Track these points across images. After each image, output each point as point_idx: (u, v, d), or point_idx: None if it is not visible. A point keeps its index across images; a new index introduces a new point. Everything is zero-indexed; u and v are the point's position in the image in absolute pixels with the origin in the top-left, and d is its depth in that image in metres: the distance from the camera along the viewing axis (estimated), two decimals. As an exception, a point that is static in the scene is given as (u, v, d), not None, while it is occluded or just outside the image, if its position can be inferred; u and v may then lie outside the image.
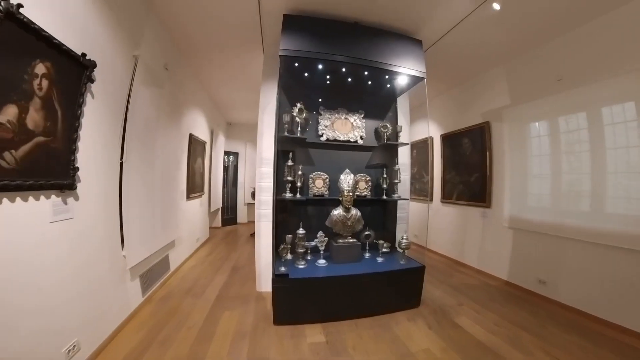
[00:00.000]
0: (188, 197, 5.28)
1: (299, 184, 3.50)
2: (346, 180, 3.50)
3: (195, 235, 5.96)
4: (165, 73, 3.76)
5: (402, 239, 3.48)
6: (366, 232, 3.67)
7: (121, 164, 2.78)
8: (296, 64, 3.33)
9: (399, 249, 3.54)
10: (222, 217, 8.72)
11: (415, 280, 3.36)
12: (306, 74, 3.62)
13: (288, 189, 3.49)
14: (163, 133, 3.81)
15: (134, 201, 3.00)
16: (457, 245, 5.30)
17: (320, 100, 3.87)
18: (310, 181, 3.75)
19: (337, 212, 3.50)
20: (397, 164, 3.86)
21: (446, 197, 5.59)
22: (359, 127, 3.96)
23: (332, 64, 3.33)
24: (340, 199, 3.50)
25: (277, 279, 2.90)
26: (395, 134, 3.91)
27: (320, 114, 3.85)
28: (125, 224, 2.81)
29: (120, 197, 2.78)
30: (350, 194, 3.43)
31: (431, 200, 6.10)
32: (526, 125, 3.93)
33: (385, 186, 3.85)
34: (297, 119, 3.46)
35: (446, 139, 5.61)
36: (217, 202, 8.16)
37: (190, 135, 5.31)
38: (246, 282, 4.14)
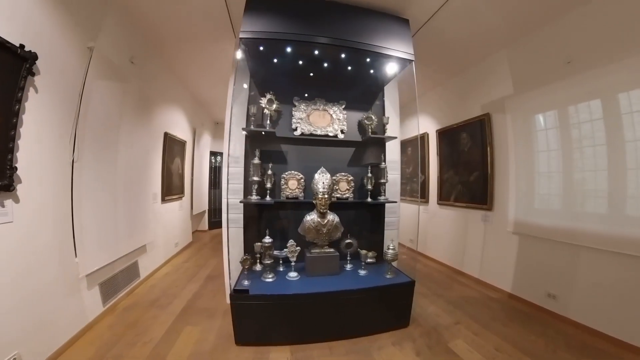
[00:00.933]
0: (164, 200, 5.01)
1: (268, 185, 3.09)
2: (321, 180, 3.04)
3: (174, 240, 5.61)
4: (131, 67, 3.53)
5: (389, 248, 3.01)
6: (347, 241, 3.21)
7: (73, 163, 2.57)
8: (261, 48, 2.90)
9: (386, 260, 3.07)
10: (208, 220, 8.29)
11: (404, 297, 2.89)
12: (276, 60, 3.20)
13: (255, 190, 3.06)
14: (128, 131, 3.57)
15: (90, 204, 2.82)
16: (456, 252, 4.81)
17: (294, 89, 3.43)
18: (283, 182, 3.32)
19: (311, 217, 3.05)
20: (384, 161, 3.38)
21: (443, 198, 5.11)
22: (339, 119, 3.49)
23: (305, 48, 2.91)
24: (314, 202, 3.04)
25: (236, 295, 2.49)
26: (382, 126, 3.45)
27: (295, 105, 3.39)
28: (77, 229, 2.63)
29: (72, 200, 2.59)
30: (326, 196, 2.97)
31: (427, 201, 5.62)
32: (531, 116, 3.45)
33: (370, 187, 3.38)
34: (265, 111, 3.08)
35: (443, 134, 5.13)
36: (202, 204, 7.77)
37: (166, 134, 5.01)
38: (217, 294, 3.76)
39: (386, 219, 3.60)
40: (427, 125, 5.66)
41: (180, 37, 3.86)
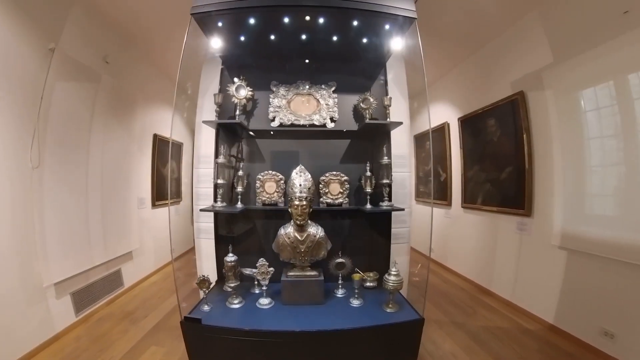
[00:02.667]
0: (154, 205, 4.81)
1: (239, 189, 2.48)
2: (298, 181, 2.33)
3: (169, 247, 5.14)
4: (106, 66, 3.41)
5: (390, 273, 2.25)
6: (338, 260, 2.46)
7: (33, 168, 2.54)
8: (220, 24, 2.28)
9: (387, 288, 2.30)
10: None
11: (409, 338, 2.13)
12: (244, 38, 2.52)
13: (220, 196, 2.46)
14: (103, 133, 3.44)
15: (55, 210, 2.75)
16: (483, 267, 3.95)
17: (273, 73, 2.78)
18: (259, 185, 2.64)
19: (286, 230, 2.34)
20: (387, 155, 2.63)
21: (468, 200, 4.24)
22: (328, 105, 2.75)
23: (277, 18, 2.26)
24: (289, 210, 2.34)
25: (187, 323, 1.92)
26: (383, 110, 2.68)
27: (273, 91, 2.72)
28: (40, 236, 2.58)
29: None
30: (304, 203, 2.25)
31: (449, 204, 4.77)
32: (578, 91, 2.59)
33: (369, 189, 2.62)
34: (234, 99, 2.50)
35: (465, 122, 4.27)
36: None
37: (155, 136, 4.77)
38: (195, 312, 3.29)
39: (393, 230, 2.80)
40: (447, 114, 4.81)
41: (153, 32, 3.58)
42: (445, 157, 4.79)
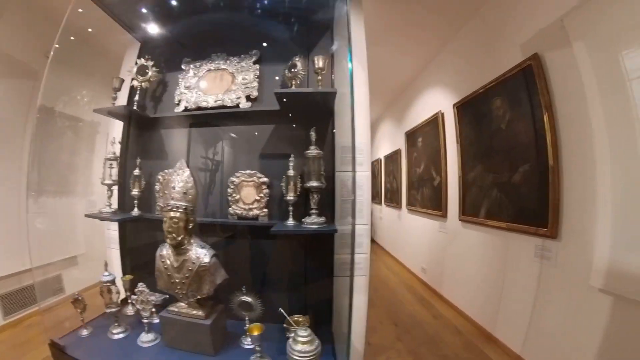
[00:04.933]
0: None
1: (135, 192, 2.02)
2: (173, 184, 1.57)
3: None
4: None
5: (297, 337, 1.34)
6: (242, 298, 1.64)
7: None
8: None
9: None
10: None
11: None
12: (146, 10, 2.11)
13: (108, 199, 2.00)
14: (43, 128, 3.05)
15: None
16: (487, 303, 2.89)
17: (187, 50, 2.23)
18: (158, 187, 2.08)
19: (164, 251, 1.62)
20: (314, 144, 1.71)
21: (468, 212, 3.19)
22: (245, 80, 2.01)
23: None
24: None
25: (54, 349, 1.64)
26: (315, 75, 1.76)
27: (183, 70, 2.15)
28: None
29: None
30: (179, 214, 1.49)
31: (444, 216, 3.72)
32: (620, 47, 1.59)
33: (291, 196, 1.69)
34: (135, 82, 2.09)
35: (463, 108, 3.24)
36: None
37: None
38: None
39: (337, 257, 1.86)
40: (440, 101, 3.81)
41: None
42: (439, 156, 3.75)
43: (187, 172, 1.55)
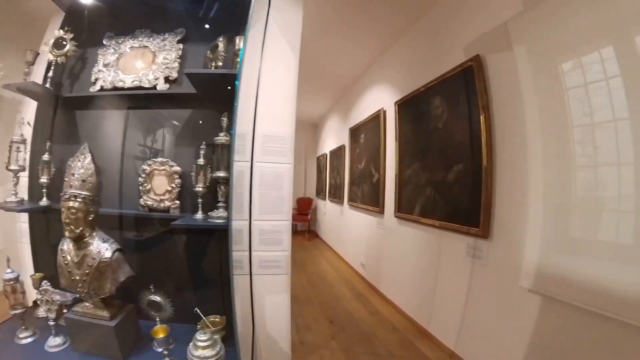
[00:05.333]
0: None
1: (43, 179, 1.80)
2: (76, 169, 1.39)
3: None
4: None
5: (197, 341, 1.19)
6: (150, 298, 1.55)
7: None
8: None
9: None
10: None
11: None
12: None
13: (14, 187, 1.81)
14: None
15: None
16: (422, 300, 2.93)
17: (113, 24, 1.99)
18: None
19: (65, 245, 1.45)
20: (226, 129, 1.65)
21: (403, 209, 3.21)
22: (167, 60, 1.81)
23: None
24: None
25: None
26: (232, 56, 1.65)
27: (105, 45, 1.94)
28: None
29: None
30: (77, 203, 1.32)
31: (382, 212, 3.72)
32: (562, 54, 1.61)
33: (200, 187, 1.58)
34: (51, 56, 1.82)
35: (404, 106, 3.24)
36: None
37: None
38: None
39: (253, 254, 1.78)
40: (383, 99, 3.79)
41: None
42: (379, 153, 3.74)
43: (89, 158, 1.38)
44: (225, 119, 1.62)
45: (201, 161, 1.60)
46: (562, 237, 1.60)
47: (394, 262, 3.51)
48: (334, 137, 6.50)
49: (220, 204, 1.60)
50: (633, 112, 1.31)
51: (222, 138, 1.58)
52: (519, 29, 1.85)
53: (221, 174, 1.56)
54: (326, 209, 7.07)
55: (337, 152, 5.95)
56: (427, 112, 2.75)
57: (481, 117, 2.07)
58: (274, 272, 1.95)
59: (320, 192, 7.60)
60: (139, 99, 1.82)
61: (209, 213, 1.62)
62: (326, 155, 7.01)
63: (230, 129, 1.58)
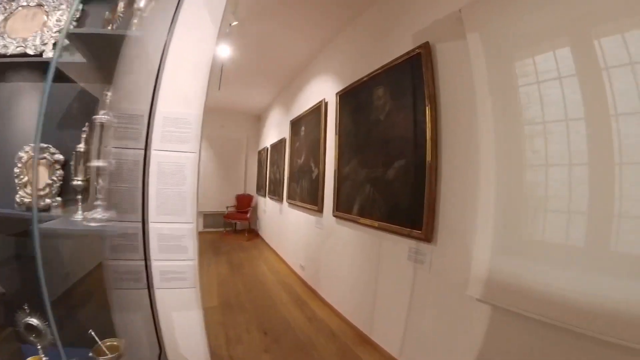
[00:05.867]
0: None
1: None
2: None
3: None
4: None
5: None
6: (27, 320, 1.19)
7: None
8: None
9: None
10: None
11: None
12: None
13: None
14: None
15: None
16: (363, 305, 2.73)
17: None
18: None
19: None
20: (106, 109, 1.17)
21: (342, 208, 2.98)
22: (60, 22, 1.45)
23: None
24: None
25: None
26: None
27: None
28: None
29: None
30: None
31: (320, 211, 3.47)
32: (516, 50, 1.47)
33: (79, 180, 1.15)
34: None
35: (345, 97, 3.01)
36: None
37: None
38: None
39: (155, 264, 1.41)
40: (327, 89, 3.54)
41: None
42: (319, 147, 3.47)
43: None
44: (109, 93, 1.20)
45: (81, 147, 1.18)
46: (513, 241, 1.45)
47: (332, 264, 3.28)
48: (275, 129, 6.11)
49: (98, 202, 1.19)
50: (588, 113, 1.18)
51: (102, 117, 1.16)
52: (474, 17, 1.67)
53: (98, 163, 1.14)
54: (266, 206, 6.66)
55: (278, 146, 5.58)
56: (369, 103, 2.54)
57: (427, 108, 1.87)
58: (180, 286, 1.55)
59: (260, 189, 7.16)
60: (21, 69, 1.42)
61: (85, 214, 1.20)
62: (267, 149, 6.58)
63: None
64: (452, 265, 1.78)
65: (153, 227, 1.40)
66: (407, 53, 2.11)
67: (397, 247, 2.20)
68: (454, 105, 1.80)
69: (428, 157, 1.84)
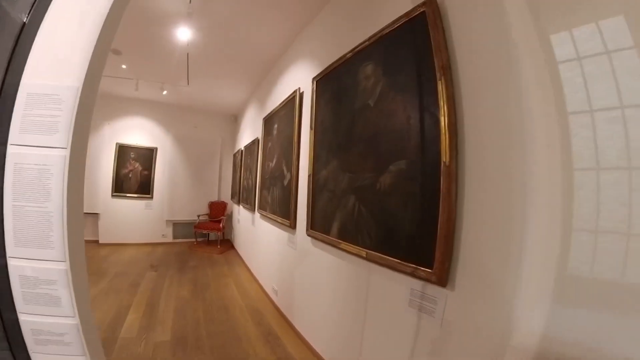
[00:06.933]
0: None
1: None
2: None
3: None
4: None
5: None
6: None
7: None
8: None
9: None
10: None
11: None
12: None
13: None
14: None
15: None
16: (347, 349, 2.07)
17: None
18: None
19: None
20: None
21: (317, 226, 2.32)
22: None
23: None
24: None
25: None
26: None
27: None
28: None
29: None
30: None
31: (293, 226, 2.80)
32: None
33: None
34: None
35: (323, 82, 2.37)
36: None
37: None
38: None
39: (22, 320, 0.81)
40: (303, 76, 2.90)
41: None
42: (291, 147, 2.82)
43: None
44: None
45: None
46: (590, 288, 0.83)
47: (308, 293, 2.62)
48: (249, 129, 5.44)
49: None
50: None
51: None
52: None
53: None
54: (240, 215, 5.93)
55: (251, 148, 4.90)
56: (354, 85, 1.90)
57: (439, 83, 1.25)
58: (61, 352, 0.91)
59: (234, 196, 6.44)
60: None
61: None
62: (242, 151, 5.88)
63: None
64: (476, 322, 1.15)
65: (12, 264, 0.77)
66: (406, 14, 1.50)
67: (393, 287, 1.56)
68: (481, 78, 1.18)
69: (444, 157, 1.21)
